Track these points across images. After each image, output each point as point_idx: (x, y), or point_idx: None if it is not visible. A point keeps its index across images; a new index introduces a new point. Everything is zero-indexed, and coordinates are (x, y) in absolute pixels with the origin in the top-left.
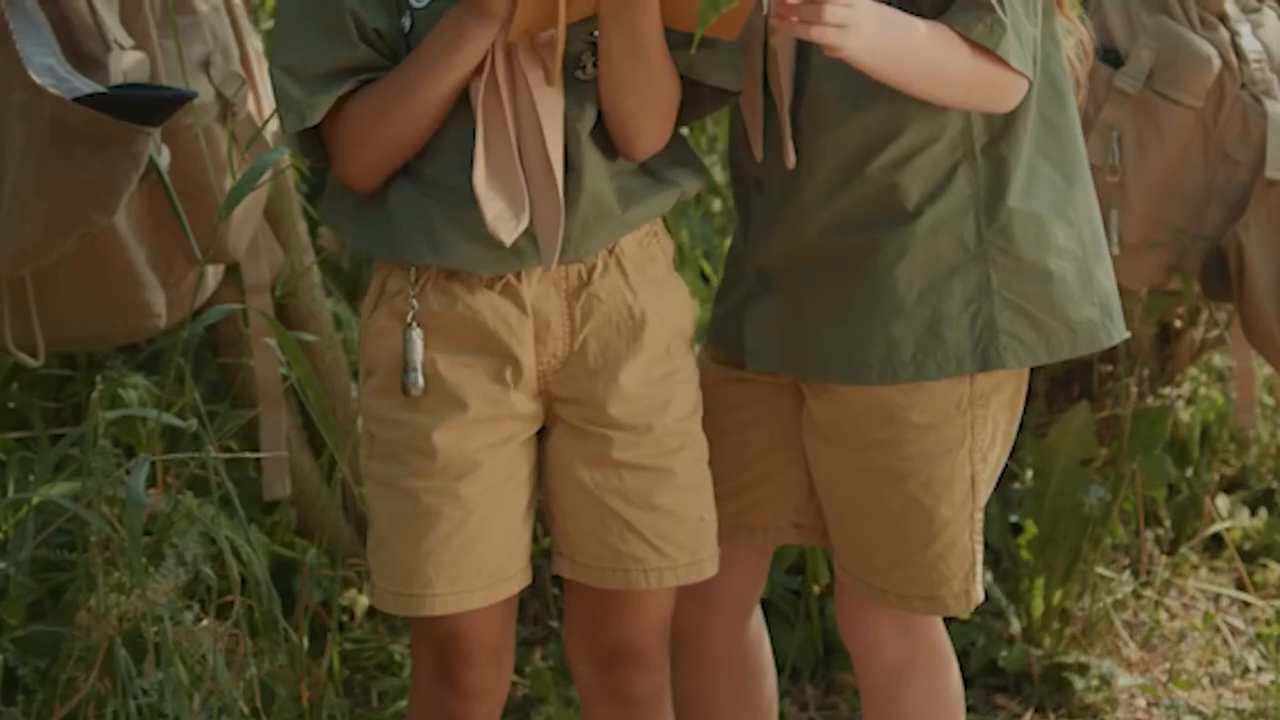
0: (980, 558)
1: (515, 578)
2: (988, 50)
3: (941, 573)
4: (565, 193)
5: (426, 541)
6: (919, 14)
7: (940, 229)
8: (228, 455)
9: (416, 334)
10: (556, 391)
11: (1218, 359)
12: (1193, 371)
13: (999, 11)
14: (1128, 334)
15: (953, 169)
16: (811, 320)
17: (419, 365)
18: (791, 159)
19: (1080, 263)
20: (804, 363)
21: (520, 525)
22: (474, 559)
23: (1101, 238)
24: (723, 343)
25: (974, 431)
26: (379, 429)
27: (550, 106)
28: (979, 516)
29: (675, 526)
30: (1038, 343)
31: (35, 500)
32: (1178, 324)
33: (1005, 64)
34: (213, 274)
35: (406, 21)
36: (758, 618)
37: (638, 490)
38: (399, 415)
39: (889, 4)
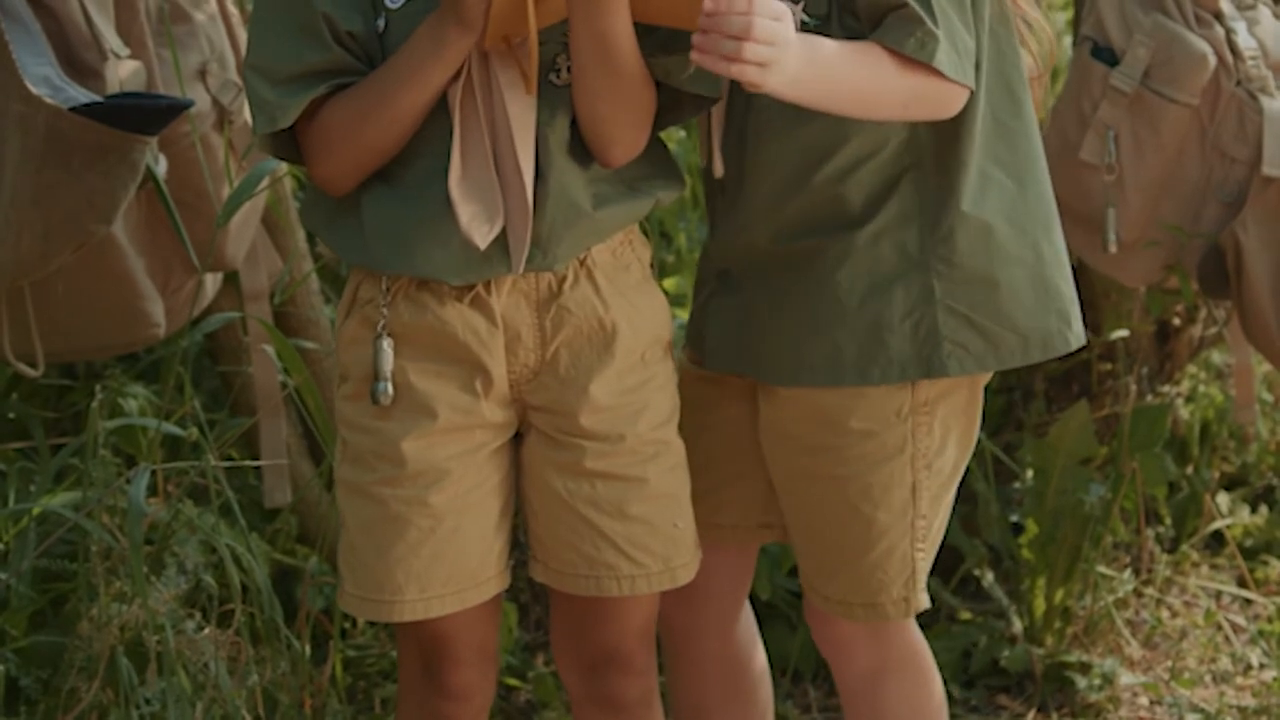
0: (923, 565)
1: (490, 582)
2: (922, 64)
3: (880, 580)
4: (534, 197)
5: (396, 549)
6: (860, 35)
7: (882, 237)
8: (228, 463)
9: (387, 344)
10: (530, 400)
11: (1216, 356)
12: (1192, 369)
13: (930, 24)
14: (1085, 340)
15: (898, 177)
16: (761, 322)
17: (389, 375)
18: (719, 169)
19: (1033, 269)
20: (754, 364)
21: (493, 531)
22: (444, 566)
23: (1057, 239)
24: (693, 341)
25: (915, 439)
26: (350, 434)
27: (521, 111)
28: (922, 524)
29: (648, 535)
30: (985, 350)
31: (36, 510)
32: (1176, 322)
33: (941, 75)
34: (211, 282)
35: (381, 23)
36: (747, 616)
37: (610, 499)
38: (369, 422)
39: (823, 29)
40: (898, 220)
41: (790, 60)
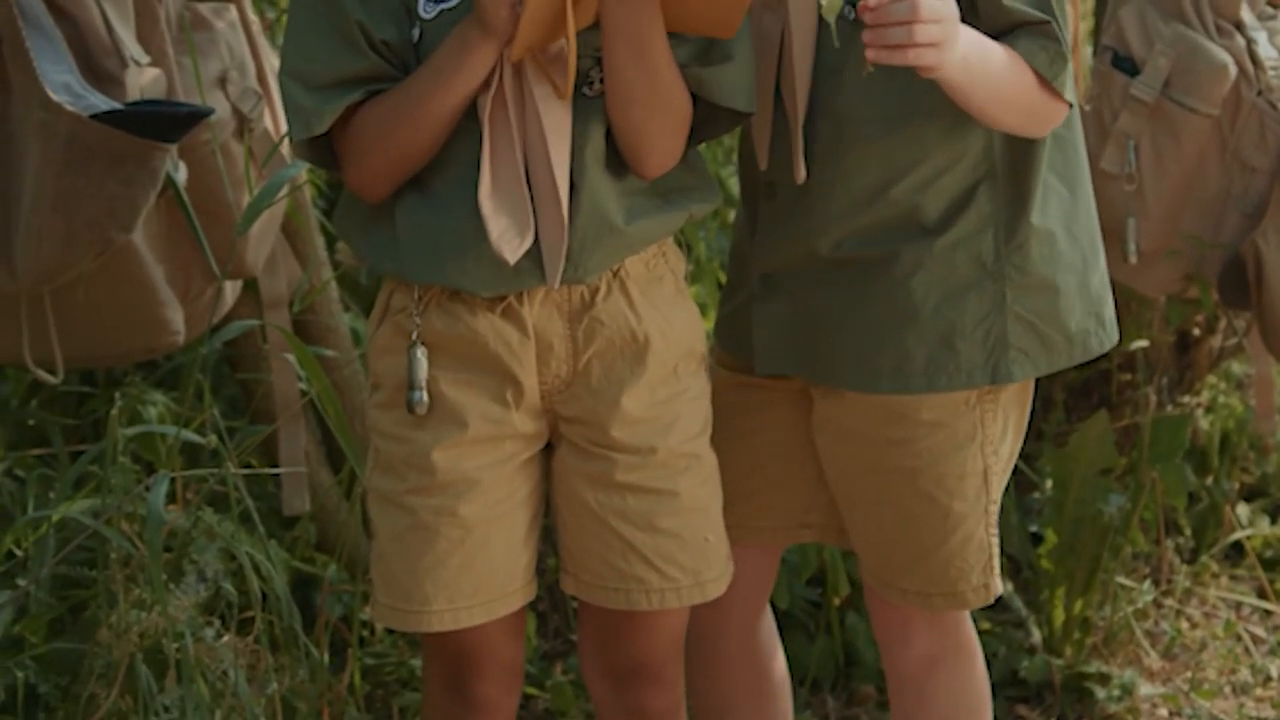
0: (997, 550)
1: (517, 594)
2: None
3: (960, 568)
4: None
5: (425, 559)
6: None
7: (959, 246)
8: (247, 471)
9: (421, 353)
10: (561, 411)
11: (1236, 367)
12: (1212, 379)
13: (1062, 45)
14: (1116, 341)
15: (974, 187)
16: (822, 325)
17: (423, 384)
18: (802, 174)
19: (1079, 274)
20: (814, 367)
21: (522, 543)
22: (473, 577)
23: (1099, 245)
24: (728, 344)
25: (984, 426)
26: (382, 443)
27: (556, 123)
28: (993, 509)
29: (678, 548)
30: (1040, 354)
31: (55, 517)
32: (1196, 332)
33: (1059, 94)
34: (230, 290)
35: (415, 32)
36: (769, 619)
37: (640, 512)
38: (401, 431)
39: None
40: (974, 230)
41: (958, 40)
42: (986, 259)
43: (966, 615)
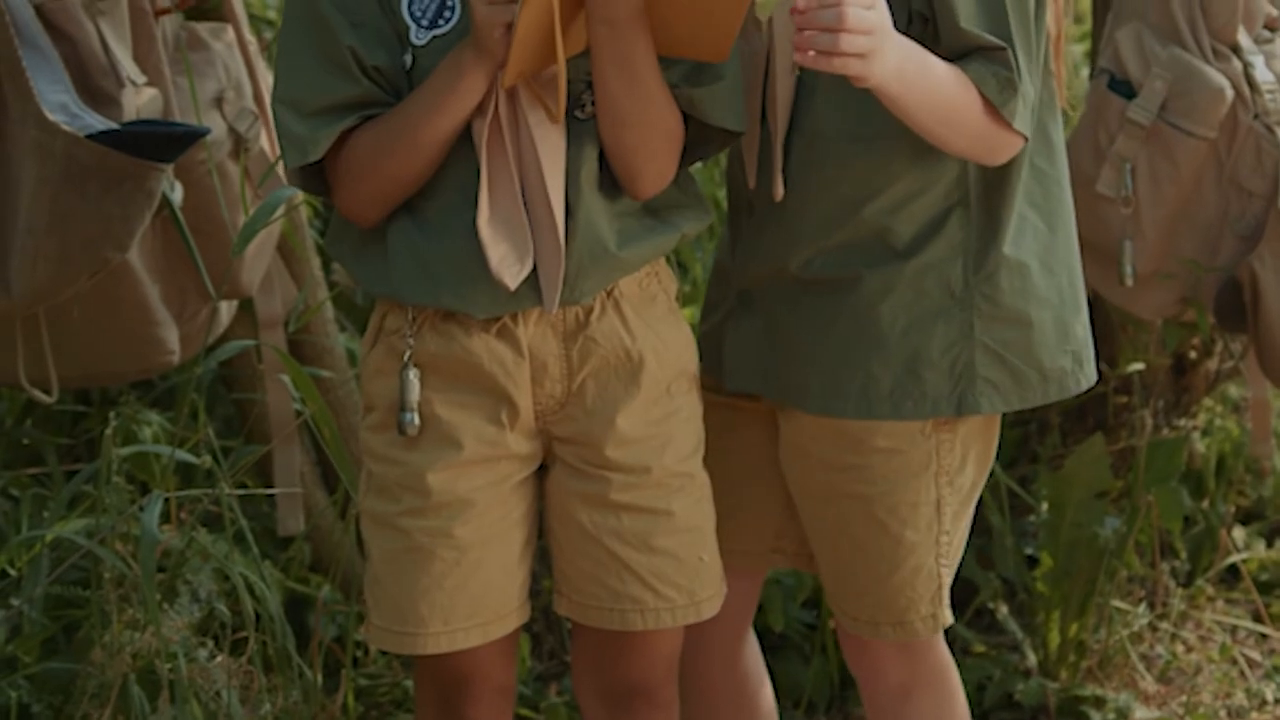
0: (947, 581)
1: (512, 615)
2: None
3: (910, 597)
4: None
5: (420, 581)
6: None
7: (927, 272)
8: (241, 491)
9: (413, 374)
10: (555, 431)
11: (1233, 390)
12: (1208, 403)
13: (1014, 72)
14: (1094, 381)
15: (946, 214)
16: (791, 346)
17: (415, 406)
18: (780, 192)
19: (1057, 311)
20: (781, 387)
21: (516, 564)
22: (468, 598)
23: (1080, 286)
24: (706, 362)
25: (939, 456)
26: (376, 465)
27: (551, 147)
28: (945, 540)
29: (674, 568)
30: (1011, 389)
31: (49, 537)
32: (1193, 355)
33: (1008, 124)
34: (226, 310)
35: (408, 59)
36: (753, 649)
37: (635, 532)
38: (395, 453)
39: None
40: (944, 256)
41: (892, 51)
42: (955, 286)
43: (939, 645)
